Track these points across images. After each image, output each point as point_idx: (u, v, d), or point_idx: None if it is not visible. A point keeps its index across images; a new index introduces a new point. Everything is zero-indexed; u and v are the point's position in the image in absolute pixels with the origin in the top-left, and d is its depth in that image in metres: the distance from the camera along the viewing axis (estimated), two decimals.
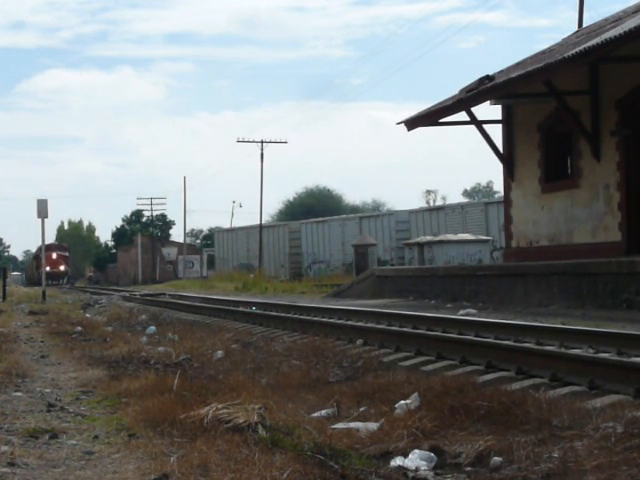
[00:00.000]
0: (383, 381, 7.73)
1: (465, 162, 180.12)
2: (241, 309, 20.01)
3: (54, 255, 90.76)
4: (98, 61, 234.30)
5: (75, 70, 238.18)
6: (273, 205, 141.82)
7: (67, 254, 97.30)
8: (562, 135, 23.19)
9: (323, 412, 6.57)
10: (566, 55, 18.52)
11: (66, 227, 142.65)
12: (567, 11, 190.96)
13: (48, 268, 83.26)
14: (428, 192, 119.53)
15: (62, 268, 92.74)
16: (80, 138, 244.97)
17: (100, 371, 9.67)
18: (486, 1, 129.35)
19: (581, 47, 18.29)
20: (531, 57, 24.70)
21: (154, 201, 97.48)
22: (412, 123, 25.68)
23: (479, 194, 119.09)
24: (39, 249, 77.18)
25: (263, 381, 8.33)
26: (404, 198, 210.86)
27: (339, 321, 14.60)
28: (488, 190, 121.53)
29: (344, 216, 57.84)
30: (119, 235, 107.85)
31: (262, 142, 66.19)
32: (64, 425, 6.63)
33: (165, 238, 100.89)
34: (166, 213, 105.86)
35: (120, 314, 21.28)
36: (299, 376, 8.53)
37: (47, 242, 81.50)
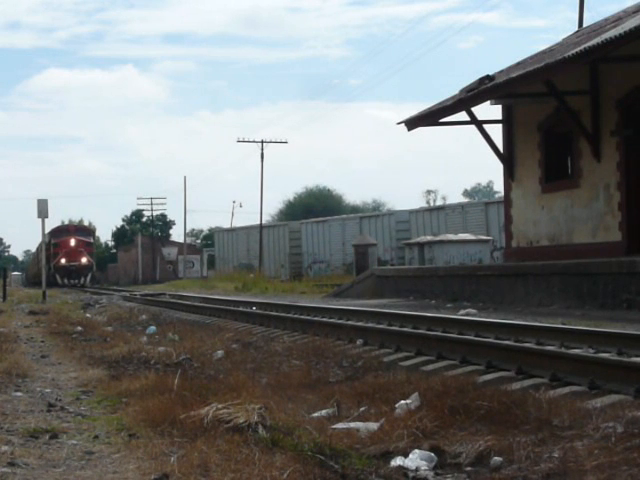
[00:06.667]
0: (383, 381, 7.73)
1: (465, 162, 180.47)
2: (241, 309, 20.01)
3: (72, 241, 64.90)
4: (95, 61, 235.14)
5: (72, 70, 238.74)
6: (273, 205, 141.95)
7: (92, 240, 70.74)
8: (562, 135, 23.18)
9: (323, 412, 6.57)
10: (566, 55, 18.51)
11: None
12: (564, 11, 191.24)
13: (64, 260, 63.96)
14: (428, 192, 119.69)
15: (84, 260, 64.78)
16: (80, 138, 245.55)
17: (100, 371, 9.66)
18: (483, 2, 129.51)
19: (581, 47, 18.29)
20: (531, 57, 24.69)
21: (154, 201, 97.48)
22: (412, 123, 25.67)
23: (479, 194, 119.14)
24: (50, 234, 62.61)
25: (263, 381, 8.33)
26: (404, 198, 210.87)
27: (339, 321, 14.60)
28: (488, 190, 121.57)
29: (344, 216, 57.83)
30: (119, 235, 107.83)
31: (262, 142, 66.28)
32: (64, 425, 6.63)
33: (165, 238, 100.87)
34: (166, 213, 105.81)
35: (120, 314, 21.27)
36: (299, 376, 8.53)
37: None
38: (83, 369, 10.11)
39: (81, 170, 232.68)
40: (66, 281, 63.46)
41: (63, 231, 67.53)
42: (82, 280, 64.48)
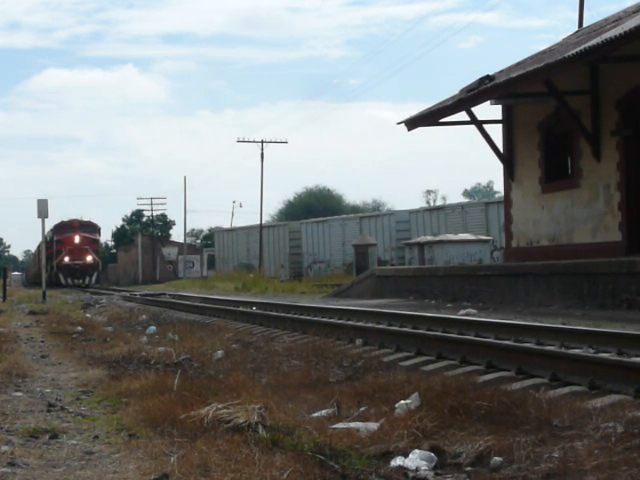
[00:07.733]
0: (383, 381, 7.73)
1: (465, 162, 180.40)
2: (241, 309, 20.01)
3: (77, 238, 61.24)
4: (95, 61, 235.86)
5: (72, 70, 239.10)
6: (273, 205, 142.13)
7: (97, 237, 65.66)
8: (562, 135, 23.18)
9: (323, 412, 6.56)
10: (566, 55, 18.51)
11: None
12: (564, 11, 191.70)
13: (67, 259, 60.42)
14: (428, 192, 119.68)
15: (89, 259, 60.82)
16: (80, 138, 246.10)
17: (100, 371, 9.66)
18: (483, 2, 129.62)
19: (581, 47, 18.29)
20: (531, 57, 24.69)
21: (154, 201, 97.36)
22: (412, 123, 25.67)
23: (479, 194, 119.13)
24: (53, 230, 61.70)
25: (263, 381, 8.33)
26: (404, 198, 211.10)
27: (339, 321, 14.60)
28: (488, 190, 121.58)
29: (344, 216, 57.82)
30: (119, 235, 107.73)
31: (262, 142, 66.23)
32: (64, 425, 6.63)
33: (165, 238, 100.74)
34: (166, 213, 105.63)
35: (120, 314, 21.27)
36: (299, 376, 8.53)
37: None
38: (83, 369, 10.11)
39: (81, 170, 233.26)
40: (70, 281, 59.70)
41: (67, 227, 62.68)
42: (87, 280, 60.26)
